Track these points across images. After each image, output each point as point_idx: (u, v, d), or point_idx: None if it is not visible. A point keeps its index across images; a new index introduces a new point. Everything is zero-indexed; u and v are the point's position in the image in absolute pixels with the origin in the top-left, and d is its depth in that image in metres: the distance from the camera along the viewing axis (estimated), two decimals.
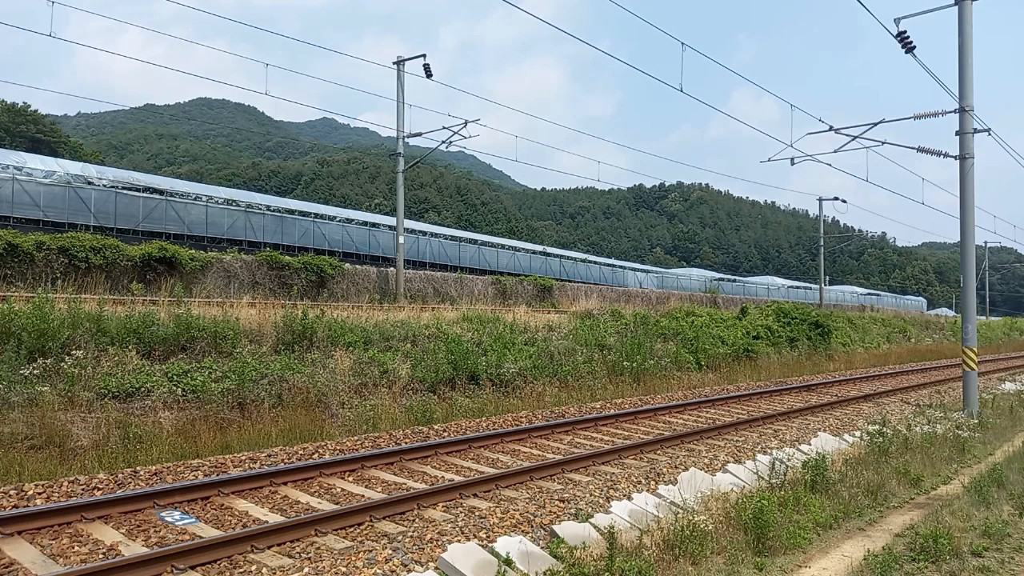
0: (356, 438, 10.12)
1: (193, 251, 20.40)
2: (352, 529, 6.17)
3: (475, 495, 7.32)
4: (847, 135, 17.15)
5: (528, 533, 6.08)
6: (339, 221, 36.55)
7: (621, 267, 55.13)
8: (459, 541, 5.66)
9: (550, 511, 6.74)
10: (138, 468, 7.89)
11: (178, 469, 7.95)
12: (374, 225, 38.25)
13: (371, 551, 5.50)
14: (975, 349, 14.32)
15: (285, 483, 7.58)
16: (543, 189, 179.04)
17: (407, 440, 10.07)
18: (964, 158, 14.40)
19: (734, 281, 66.77)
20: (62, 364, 9.65)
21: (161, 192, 29.06)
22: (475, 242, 43.78)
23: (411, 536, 5.86)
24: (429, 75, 23.06)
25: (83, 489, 7.07)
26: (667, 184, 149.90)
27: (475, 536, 5.91)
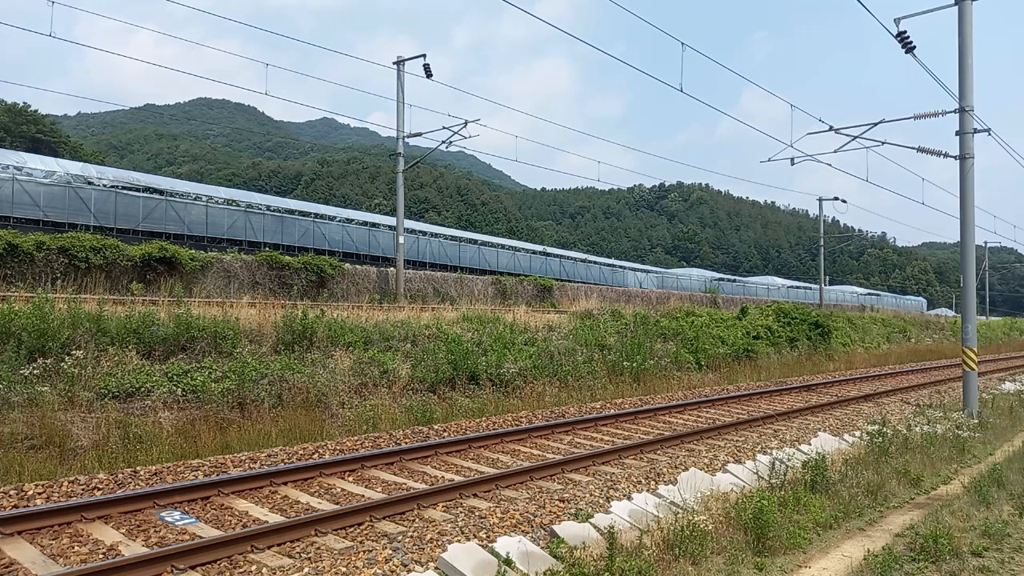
0: (356, 438, 10.12)
1: (193, 251, 20.40)
2: (352, 529, 6.17)
3: (475, 495, 7.32)
4: (847, 135, 17.15)
5: (528, 533, 6.08)
6: (339, 221, 36.54)
7: (621, 267, 55.09)
8: (459, 541, 5.66)
9: (550, 511, 6.73)
10: (138, 468, 7.90)
11: (178, 469, 7.95)
12: (374, 225, 38.24)
13: (371, 551, 5.50)
14: (975, 349, 14.32)
15: (285, 483, 7.58)
16: (543, 189, 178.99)
17: (407, 440, 10.07)
18: (964, 158, 14.40)
19: (734, 281, 66.74)
20: (62, 364, 9.65)
21: (161, 192, 29.05)
22: (475, 242, 43.76)
23: (411, 536, 5.86)
24: (429, 75, 23.06)
25: (83, 489, 7.07)
26: (667, 184, 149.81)
27: (475, 536, 5.91)
